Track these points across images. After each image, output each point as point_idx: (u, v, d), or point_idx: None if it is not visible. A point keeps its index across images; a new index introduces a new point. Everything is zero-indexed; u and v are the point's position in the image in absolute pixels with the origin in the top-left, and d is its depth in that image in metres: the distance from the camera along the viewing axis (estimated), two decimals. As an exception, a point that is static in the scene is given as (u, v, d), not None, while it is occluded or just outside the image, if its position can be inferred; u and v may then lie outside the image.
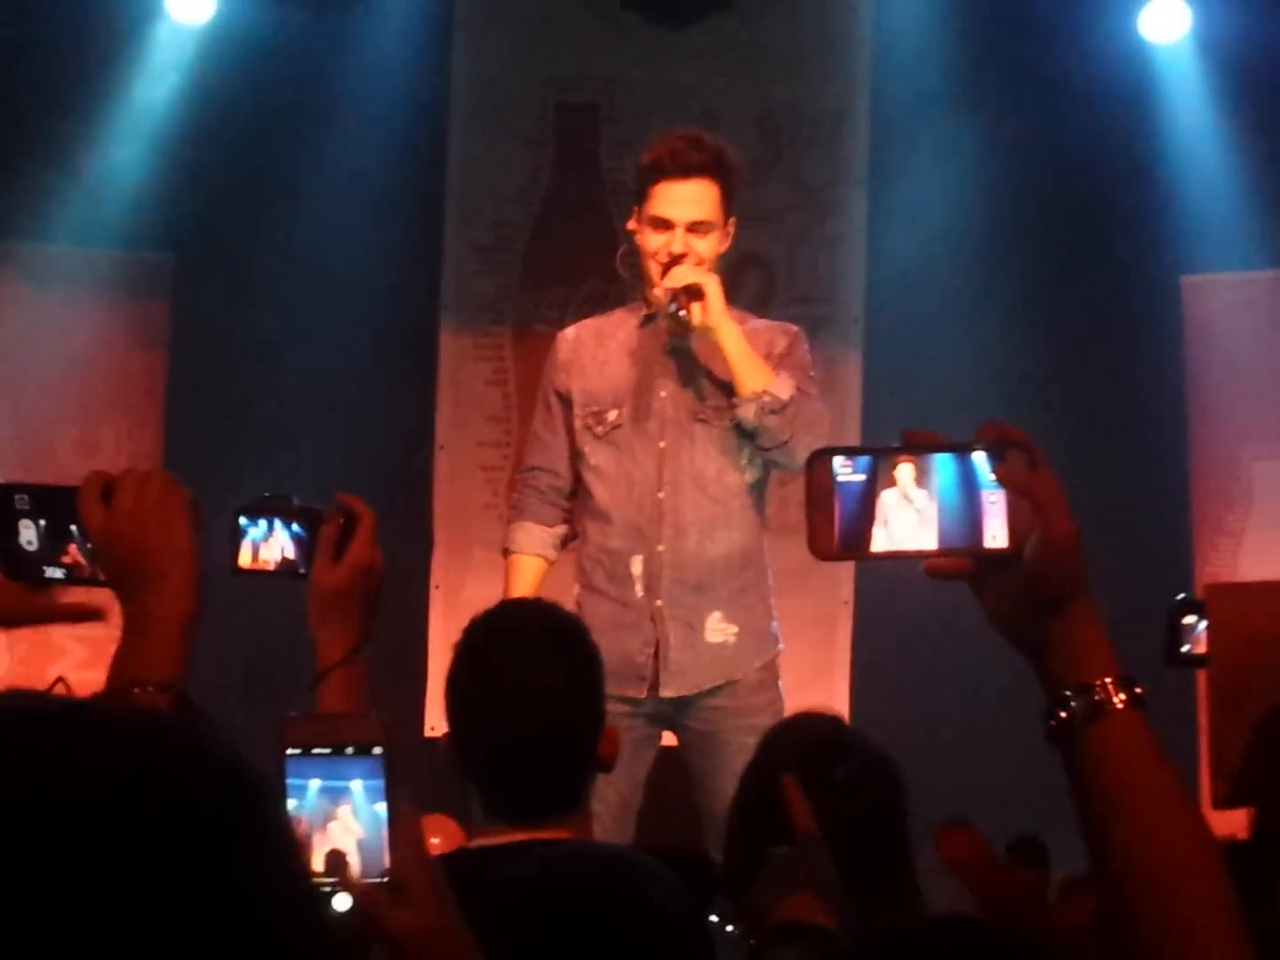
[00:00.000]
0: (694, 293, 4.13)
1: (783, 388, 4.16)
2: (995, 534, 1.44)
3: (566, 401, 4.39)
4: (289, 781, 1.46)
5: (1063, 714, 1.42)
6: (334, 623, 2.03)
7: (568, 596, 4.31)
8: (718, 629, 4.29)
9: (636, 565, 4.28)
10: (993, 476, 1.44)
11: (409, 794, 1.46)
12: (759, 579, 4.37)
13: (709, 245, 4.24)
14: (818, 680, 6.62)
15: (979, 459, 1.45)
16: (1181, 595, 2.79)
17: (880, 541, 1.46)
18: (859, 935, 1.87)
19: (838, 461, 1.47)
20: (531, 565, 4.41)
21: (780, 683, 4.37)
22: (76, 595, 2.01)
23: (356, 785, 1.45)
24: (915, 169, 7.14)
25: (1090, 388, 7.09)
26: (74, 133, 6.84)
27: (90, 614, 1.96)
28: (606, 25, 7.13)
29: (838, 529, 1.46)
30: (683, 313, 4.11)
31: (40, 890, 0.85)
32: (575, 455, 4.38)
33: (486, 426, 7.05)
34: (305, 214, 6.91)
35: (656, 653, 4.26)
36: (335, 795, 1.45)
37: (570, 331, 4.52)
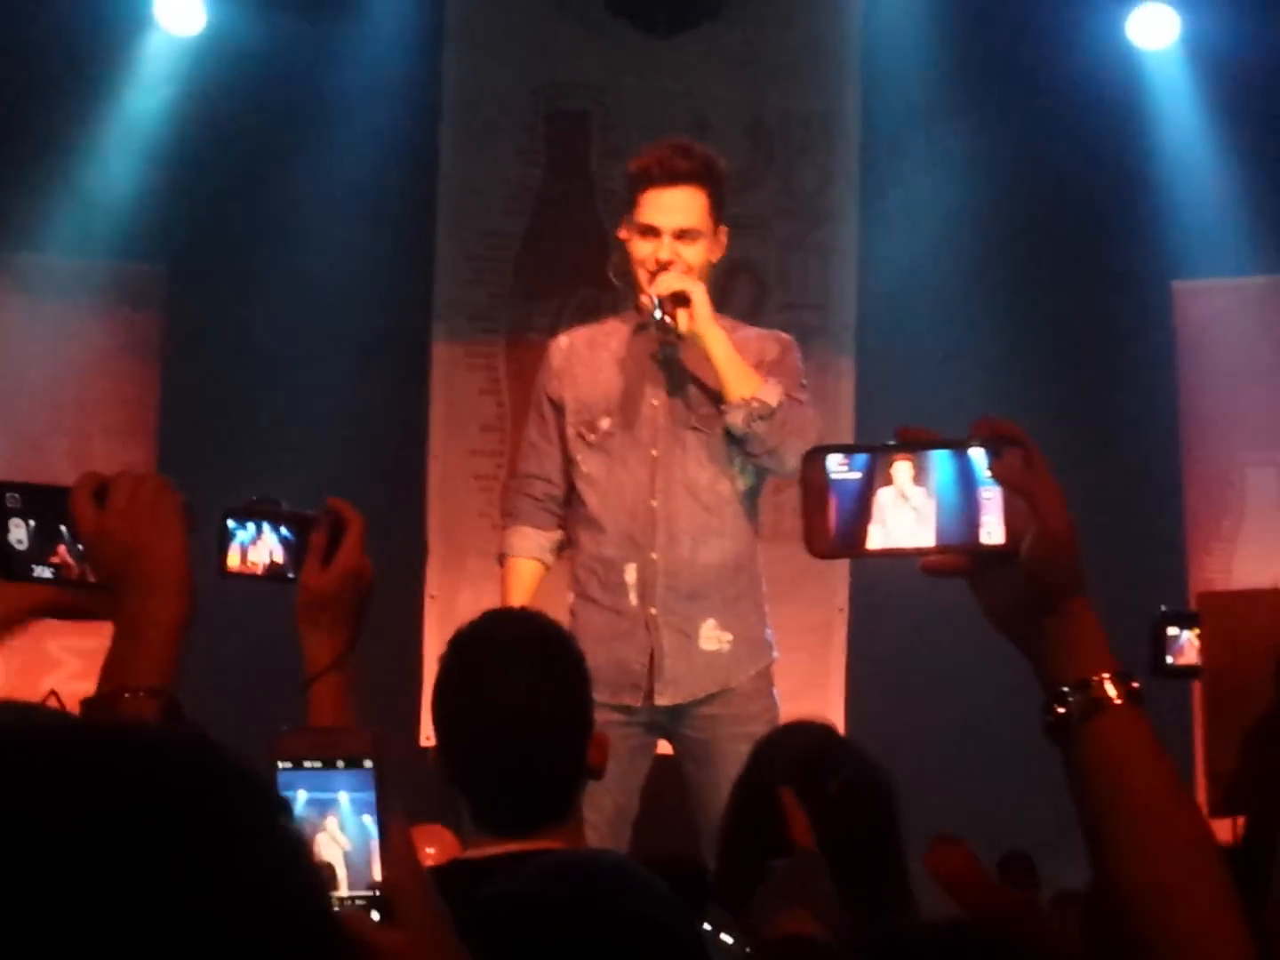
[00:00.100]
0: (680, 299, 4.14)
1: (771, 394, 4.17)
2: (991, 531, 1.45)
3: (559, 409, 4.40)
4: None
5: (1060, 710, 1.43)
6: (322, 628, 2.03)
7: (562, 605, 4.31)
8: (712, 636, 4.29)
9: (630, 573, 4.27)
10: (989, 473, 1.44)
11: (400, 808, 1.46)
12: (753, 586, 4.38)
13: (697, 252, 4.24)
14: (812, 688, 6.62)
15: (975, 456, 1.45)
16: (1164, 608, 2.81)
17: (877, 539, 1.46)
18: (854, 940, 1.87)
19: (834, 459, 1.47)
20: (529, 569, 4.41)
21: (775, 690, 4.37)
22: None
23: (344, 797, 1.45)
24: (906, 175, 7.15)
25: (1083, 394, 7.09)
26: (66, 143, 6.85)
27: (87, 612, 1.96)
28: (597, 34, 7.13)
29: (834, 526, 1.46)
30: (668, 319, 4.12)
31: (47, 895, 0.85)
32: (568, 463, 4.38)
33: (480, 435, 7.05)
34: (297, 223, 6.91)
35: (651, 661, 4.26)
36: (322, 807, 1.45)
37: (563, 340, 4.53)
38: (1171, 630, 2.75)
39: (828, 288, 7.12)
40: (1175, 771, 1.42)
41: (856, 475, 1.46)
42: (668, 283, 4.15)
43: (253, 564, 2.05)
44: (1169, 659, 2.73)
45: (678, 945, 2.20)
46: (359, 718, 2.03)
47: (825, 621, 6.89)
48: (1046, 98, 6.97)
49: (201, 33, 6.99)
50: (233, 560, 2.04)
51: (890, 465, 1.46)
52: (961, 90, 7.01)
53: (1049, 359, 7.08)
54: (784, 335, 4.48)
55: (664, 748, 4.42)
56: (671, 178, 4.22)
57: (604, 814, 4.13)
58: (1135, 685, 1.43)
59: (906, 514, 1.45)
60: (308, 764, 1.45)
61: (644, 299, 4.22)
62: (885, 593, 6.53)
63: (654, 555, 4.26)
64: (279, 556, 2.05)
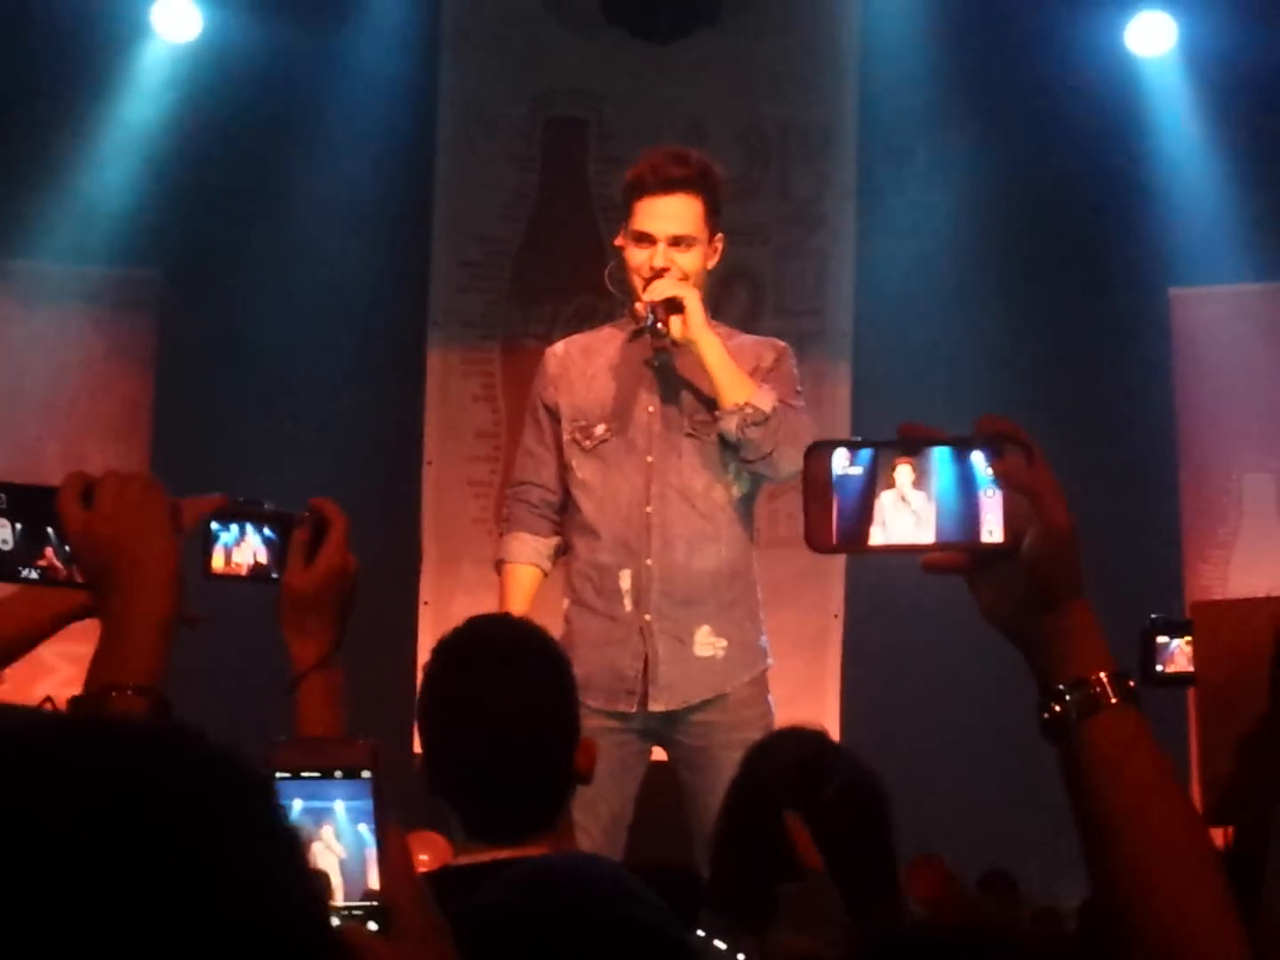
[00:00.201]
0: (674, 306, 4.14)
1: (765, 400, 4.17)
2: (992, 529, 1.45)
3: (555, 416, 4.40)
4: None
5: (1057, 708, 1.43)
6: (308, 627, 2.02)
7: (556, 611, 4.31)
8: (707, 643, 4.28)
9: (625, 580, 4.27)
10: (990, 472, 1.44)
11: (396, 819, 1.45)
12: (748, 593, 4.37)
13: (692, 260, 4.24)
14: (808, 694, 6.62)
15: (976, 456, 1.46)
16: (1155, 615, 2.81)
17: (877, 536, 1.46)
18: (851, 942, 1.87)
19: (836, 455, 1.47)
20: (527, 575, 4.40)
21: (770, 696, 4.37)
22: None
23: (339, 806, 1.44)
24: (903, 182, 7.15)
25: (1080, 400, 7.10)
26: (61, 149, 6.85)
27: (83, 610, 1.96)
28: (594, 41, 7.14)
29: (835, 522, 1.46)
30: (660, 325, 4.12)
31: (46, 895, 0.85)
32: (564, 469, 4.38)
33: (475, 442, 7.05)
34: (292, 230, 6.91)
35: (646, 667, 4.26)
36: (318, 816, 1.44)
37: (559, 347, 4.53)
38: (1161, 638, 2.75)
39: (824, 294, 7.12)
40: (1172, 770, 1.42)
41: (858, 470, 1.46)
42: (661, 289, 4.16)
43: (237, 565, 2.05)
44: (1159, 667, 2.74)
45: (665, 951, 2.19)
46: (351, 721, 2.02)
47: (820, 628, 6.89)
48: (1044, 105, 6.97)
49: (197, 39, 7.00)
50: (217, 562, 2.04)
51: (893, 468, 1.46)
52: (959, 97, 7.01)
53: (1046, 365, 7.09)
54: (779, 342, 4.48)
55: (659, 754, 4.42)
56: (666, 185, 4.22)
57: (599, 821, 4.12)
58: (1132, 684, 1.43)
59: (907, 516, 1.46)
60: (304, 774, 1.44)
61: (638, 306, 4.23)
62: (881, 599, 6.54)
63: (649, 561, 4.26)
64: (263, 557, 2.05)
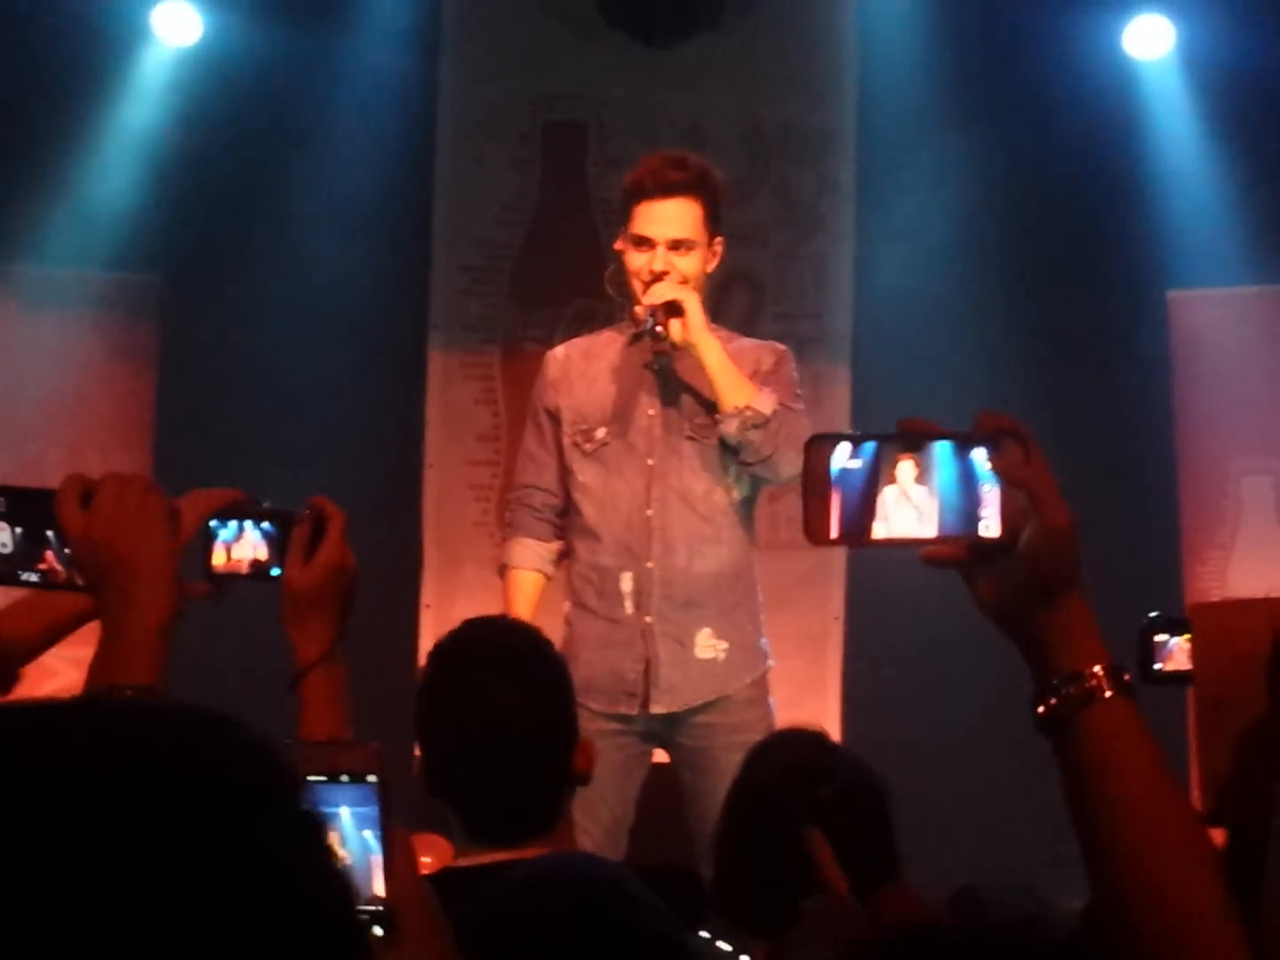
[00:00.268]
0: (674, 309, 4.16)
1: (765, 403, 4.18)
2: (989, 524, 1.46)
3: (556, 419, 4.41)
4: None
5: (1052, 701, 1.43)
6: (308, 622, 2.03)
7: (557, 614, 4.32)
8: (708, 645, 4.29)
9: (626, 582, 4.28)
10: (988, 467, 1.45)
11: (400, 824, 1.46)
12: (748, 595, 4.38)
13: (691, 263, 4.26)
14: (808, 696, 6.61)
15: (976, 451, 1.47)
16: (1153, 614, 2.81)
17: (879, 530, 1.47)
18: (853, 942, 1.88)
19: (836, 449, 1.48)
20: (530, 580, 4.41)
21: (771, 698, 4.38)
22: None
23: (345, 812, 1.45)
24: (902, 185, 7.16)
25: (1078, 403, 7.09)
26: (62, 154, 6.85)
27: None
28: (593, 44, 7.14)
29: (835, 515, 1.47)
30: (659, 328, 4.14)
31: (66, 877, 0.86)
32: (565, 473, 4.39)
33: (476, 445, 7.05)
34: (293, 234, 6.91)
35: (647, 669, 4.27)
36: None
37: (559, 350, 4.54)
38: (1160, 636, 2.75)
39: (824, 297, 7.12)
40: (1166, 763, 1.43)
41: (858, 464, 1.47)
42: (661, 293, 4.18)
43: (237, 561, 2.05)
44: (1157, 665, 2.74)
45: (666, 952, 2.20)
46: (354, 722, 2.03)
47: (821, 630, 6.89)
48: (1043, 108, 6.98)
49: (198, 44, 7.00)
50: (218, 559, 2.05)
51: (895, 464, 1.47)
52: (958, 100, 7.02)
53: (1044, 368, 7.09)
54: (779, 345, 4.50)
55: (660, 756, 4.43)
56: (665, 189, 4.24)
57: (601, 823, 4.14)
58: (1127, 678, 1.44)
59: (909, 511, 1.47)
60: (311, 779, 1.45)
61: (638, 309, 4.24)
62: (881, 601, 6.54)
63: (650, 564, 4.27)
64: (262, 554, 2.06)
